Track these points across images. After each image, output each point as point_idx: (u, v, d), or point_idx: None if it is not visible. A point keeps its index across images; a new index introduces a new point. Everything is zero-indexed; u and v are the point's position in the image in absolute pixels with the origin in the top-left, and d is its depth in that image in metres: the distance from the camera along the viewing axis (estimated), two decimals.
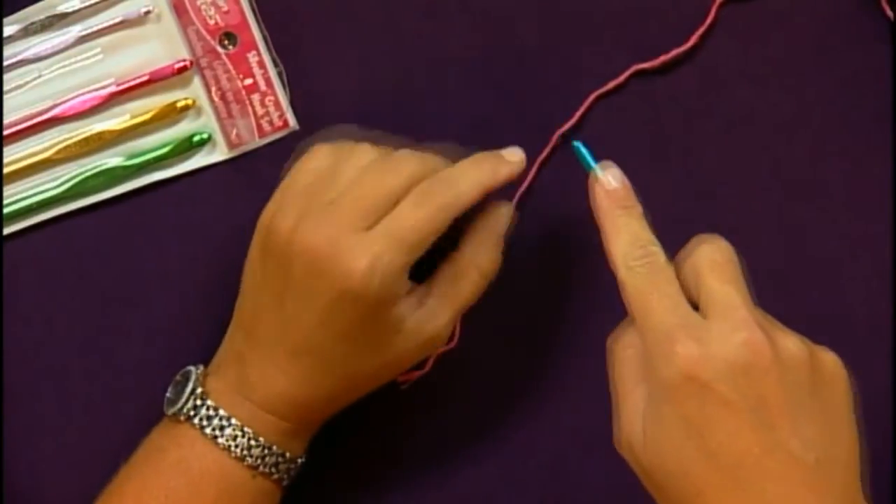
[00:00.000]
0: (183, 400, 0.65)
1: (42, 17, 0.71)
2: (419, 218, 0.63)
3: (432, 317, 0.66)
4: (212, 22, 0.72)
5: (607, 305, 0.71)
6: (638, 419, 0.56)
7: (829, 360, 0.56)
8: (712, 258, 0.57)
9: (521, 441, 0.73)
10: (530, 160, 0.72)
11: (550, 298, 0.73)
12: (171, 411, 0.66)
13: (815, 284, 0.72)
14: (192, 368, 0.67)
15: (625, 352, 0.58)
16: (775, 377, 0.54)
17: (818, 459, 0.54)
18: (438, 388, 0.73)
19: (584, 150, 0.62)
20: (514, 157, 0.66)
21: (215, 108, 0.72)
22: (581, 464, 0.73)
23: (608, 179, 0.60)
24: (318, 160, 0.66)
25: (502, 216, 0.67)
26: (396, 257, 0.63)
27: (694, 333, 0.55)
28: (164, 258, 0.72)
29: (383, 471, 0.73)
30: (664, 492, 0.56)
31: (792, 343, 0.55)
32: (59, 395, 0.72)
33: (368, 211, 0.63)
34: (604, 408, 0.73)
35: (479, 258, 0.67)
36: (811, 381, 0.55)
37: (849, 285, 0.73)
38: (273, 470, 0.65)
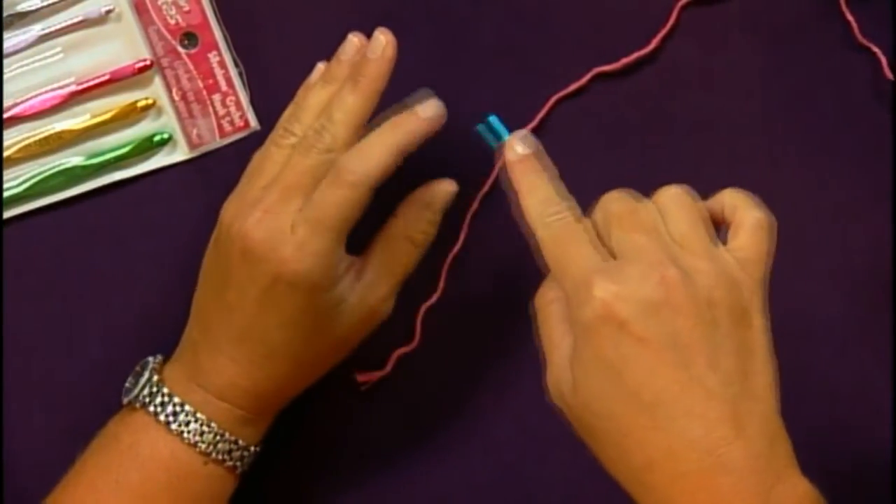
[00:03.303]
0: (139, 388, 0.66)
1: (2, 16, 0.71)
2: (335, 197, 0.63)
3: (371, 291, 0.67)
4: (172, 22, 0.71)
5: None
6: (565, 367, 0.57)
7: (747, 289, 0.57)
8: (616, 212, 0.58)
9: (481, 440, 0.73)
10: (491, 161, 0.72)
11: (510, 298, 0.73)
12: (127, 399, 0.66)
13: (771, 285, 0.72)
14: (150, 359, 0.67)
15: (549, 306, 0.59)
16: (691, 314, 0.55)
17: (735, 394, 0.55)
18: (398, 388, 0.73)
19: (496, 124, 0.63)
20: (427, 111, 0.65)
21: (176, 108, 0.72)
22: (542, 462, 0.73)
23: (521, 147, 0.61)
24: (263, 146, 0.67)
25: (439, 192, 0.68)
26: (321, 241, 0.63)
27: (610, 276, 0.55)
28: (124, 258, 0.72)
29: (343, 471, 0.73)
30: (594, 434, 0.57)
31: (709, 278, 0.56)
32: (19, 394, 0.72)
33: (294, 193, 0.63)
34: None
35: (411, 230, 0.68)
36: (728, 315, 0.56)
37: (805, 286, 0.73)
38: (226, 457, 0.65)
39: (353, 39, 0.67)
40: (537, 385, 0.73)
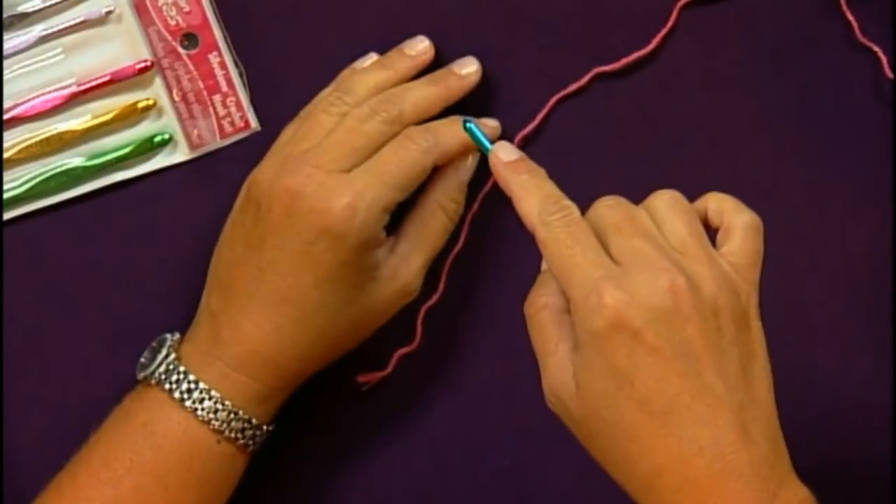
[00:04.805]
0: (155, 365, 0.66)
1: (3, 16, 0.71)
2: (402, 158, 0.65)
3: (404, 262, 0.68)
4: (173, 22, 0.71)
5: None
6: (566, 373, 0.57)
7: (744, 294, 0.57)
8: (613, 219, 0.58)
9: (482, 440, 0.73)
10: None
11: (510, 299, 0.73)
12: (142, 375, 0.67)
13: (772, 284, 0.72)
14: (167, 335, 0.68)
15: (541, 313, 0.59)
16: (699, 322, 0.55)
17: (741, 401, 0.55)
18: (399, 388, 0.73)
19: (477, 132, 0.65)
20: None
21: (176, 109, 0.72)
22: (542, 462, 0.73)
23: (506, 153, 0.62)
24: (297, 119, 0.69)
25: (465, 164, 0.69)
26: (379, 195, 0.64)
27: (619, 284, 0.55)
28: (125, 259, 0.72)
29: (344, 471, 0.73)
30: (598, 439, 0.57)
31: (712, 285, 0.56)
32: (20, 394, 0.72)
33: (348, 152, 0.65)
34: None
35: (443, 199, 0.69)
36: (732, 322, 0.56)
37: (806, 285, 0.73)
38: (238, 435, 0.65)
39: (425, 40, 0.70)
40: (537, 385, 0.73)
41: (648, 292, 0.55)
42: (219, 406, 0.65)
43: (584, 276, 0.56)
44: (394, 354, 0.72)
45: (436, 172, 0.68)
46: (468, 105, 0.71)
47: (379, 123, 0.66)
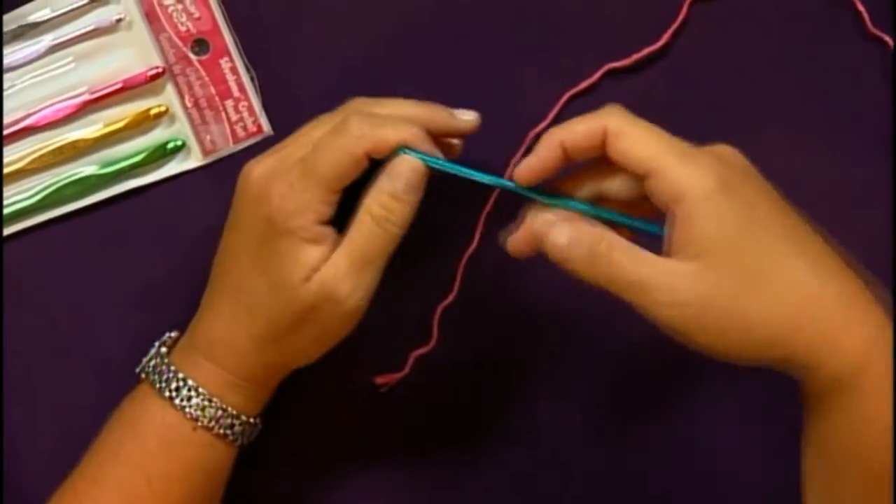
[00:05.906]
0: (146, 359, 0.67)
1: (13, 26, 0.71)
2: (332, 147, 0.63)
3: (332, 265, 0.63)
4: (183, 29, 0.72)
5: (581, 307, 0.72)
6: (672, 261, 0.59)
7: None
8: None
9: (499, 439, 0.73)
10: (505, 160, 0.72)
11: (526, 299, 0.73)
12: (137, 370, 0.68)
13: None
14: (168, 333, 0.69)
15: (613, 249, 0.60)
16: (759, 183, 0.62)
17: (806, 230, 0.62)
18: (417, 389, 0.73)
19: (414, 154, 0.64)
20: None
21: (189, 115, 0.72)
22: (558, 460, 0.73)
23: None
24: None
25: (399, 164, 0.64)
26: (308, 189, 0.63)
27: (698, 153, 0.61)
28: (139, 266, 0.73)
29: (362, 472, 0.73)
30: (737, 293, 0.59)
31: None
32: (28, 401, 0.72)
33: (306, 145, 0.64)
34: (582, 405, 0.74)
35: (371, 204, 0.64)
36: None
37: None
38: (214, 424, 0.66)
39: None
40: (554, 384, 0.73)
41: (720, 155, 0.62)
42: (192, 394, 0.65)
43: (670, 158, 0.60)
44: (411, 355, 0.72)
45: (373, 176, 0.65)
46: (479, 105, 0.72)
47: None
